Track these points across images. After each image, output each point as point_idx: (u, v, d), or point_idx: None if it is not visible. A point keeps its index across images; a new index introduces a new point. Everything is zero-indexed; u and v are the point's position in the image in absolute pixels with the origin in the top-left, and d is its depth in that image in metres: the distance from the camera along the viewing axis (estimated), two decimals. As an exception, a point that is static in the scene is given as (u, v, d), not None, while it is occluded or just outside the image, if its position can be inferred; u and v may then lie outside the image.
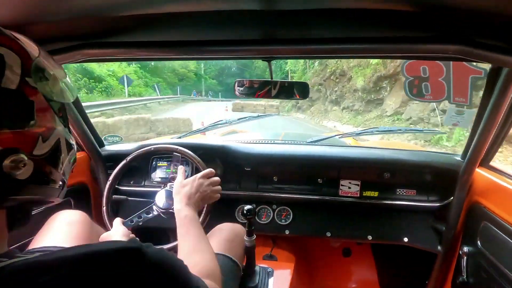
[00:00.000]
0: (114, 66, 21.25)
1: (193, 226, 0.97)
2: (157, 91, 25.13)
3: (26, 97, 0.50)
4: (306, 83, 1.30)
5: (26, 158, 0.49)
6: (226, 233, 1.26)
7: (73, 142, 0.65)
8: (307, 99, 1.40)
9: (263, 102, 10.55)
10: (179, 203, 1.06)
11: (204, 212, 1.38)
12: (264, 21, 0.92)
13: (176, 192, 1.12)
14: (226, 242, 1.21)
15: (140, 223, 1.45)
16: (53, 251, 0.50)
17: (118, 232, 1.14)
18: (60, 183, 0.59)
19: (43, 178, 0.54)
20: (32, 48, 0.56)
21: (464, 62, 1.32)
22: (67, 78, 0.63)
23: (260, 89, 1.33)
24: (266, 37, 1.04)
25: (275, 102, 11.96)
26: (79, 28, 0.92)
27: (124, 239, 1.11)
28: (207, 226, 1.37)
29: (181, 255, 0.88)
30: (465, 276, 1.37)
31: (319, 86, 17.96)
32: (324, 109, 17.08)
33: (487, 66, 1.22)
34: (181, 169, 1.25)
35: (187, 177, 1.60)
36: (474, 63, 1.29)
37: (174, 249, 1.39)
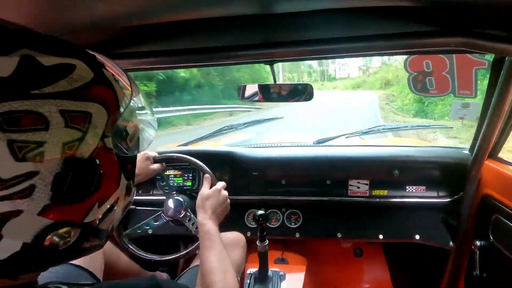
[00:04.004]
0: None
1: (215, 241, 0.94)
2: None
3: (97, 167, 0.43)
4: (310, 85, 1.30)
5: (73, 228, 0.42)
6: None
7: (134, 191, 0.57)
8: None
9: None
10: (202, 215, 1.03)
11: None
12: (264, 25, 0.92)
13: (200, 205, 1.07)
14: None
15: (150, 231, 1.48)
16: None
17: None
18: (106, 239, 0.51)
19: (87, 243, 0.47)
20: (124, 92, 0.48)
21: (467, 54, 1.32)
22: (148, 114, 0.56)
23: (266, 92, 1.34)
24: (267, 41, 1.04)
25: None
26: (90, 39, 0.93)
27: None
28: None
29: (202, 269, 0.87)
30: (478, 271, 1.35)
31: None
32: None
33: (490, 57, 1.22)
34: (207, 178, 1.22)
35: (194, 182, 1.62)
36: (477, 55, 1.29)
37: (185, 257, 1.40)
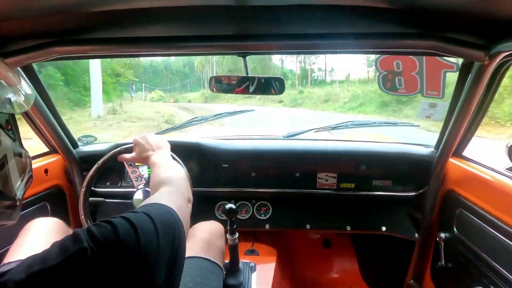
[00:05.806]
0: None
1: (161, 164, 0.94)
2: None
3: None
4: (282, 78, 1.29)
5: None
6: (203, 234, 1.24)
7: (28, 157, 0.60)
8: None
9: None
10: (147, 162, 1.04)
11: None
12: (238, 17, 0.91)
13: (138, 160, 1.11)
14: (204, 243, 1.19)
15: None
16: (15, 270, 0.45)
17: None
18: (8, 204, 0.52)
19: None
20: None
21: (437, 57, 1.35)
22: (23, 84, 0.58)
23: (238, 85, 1.31)
24: (241, 33, 1.02)
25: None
26: (51, 25, 0.87)
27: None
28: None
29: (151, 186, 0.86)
30: (443, 262, 1.42)
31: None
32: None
33: (459, 61, 1.25)
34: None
35: None
36: (447, 58, 1.32)
37: None
